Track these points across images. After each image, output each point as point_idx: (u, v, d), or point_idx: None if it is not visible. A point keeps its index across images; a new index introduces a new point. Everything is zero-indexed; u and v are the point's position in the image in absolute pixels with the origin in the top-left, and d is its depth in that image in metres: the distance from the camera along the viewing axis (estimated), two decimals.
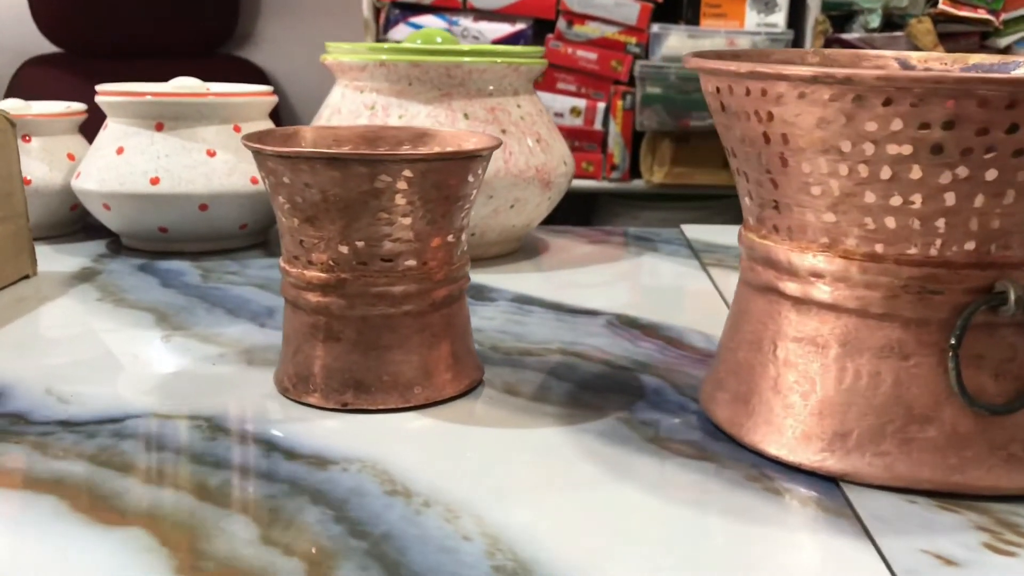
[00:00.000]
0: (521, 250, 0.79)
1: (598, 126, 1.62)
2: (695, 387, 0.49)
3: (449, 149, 0.44)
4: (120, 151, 0.75)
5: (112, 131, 0.77)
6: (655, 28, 1.55)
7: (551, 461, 0.40)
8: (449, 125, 0.71)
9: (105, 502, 0.36)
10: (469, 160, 0.44)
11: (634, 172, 1.66)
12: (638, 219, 1.69)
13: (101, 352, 0.53)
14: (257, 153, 0.43)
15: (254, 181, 0.76)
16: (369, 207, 0.42)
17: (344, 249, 0.43)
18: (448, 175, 0.43)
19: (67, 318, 0.59)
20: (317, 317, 0.45)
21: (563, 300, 0.64)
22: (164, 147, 0.75)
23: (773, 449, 0.40)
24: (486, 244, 0.75)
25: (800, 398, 0.39)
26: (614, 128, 1.62)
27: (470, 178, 0.45)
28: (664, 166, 1.61)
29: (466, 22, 1.58)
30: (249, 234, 0.80)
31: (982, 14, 1.54)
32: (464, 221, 0.46)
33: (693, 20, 1.54)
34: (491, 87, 0.73)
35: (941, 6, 1.52)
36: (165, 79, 0.83)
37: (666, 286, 0.70)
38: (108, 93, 0.76)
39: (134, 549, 0.32)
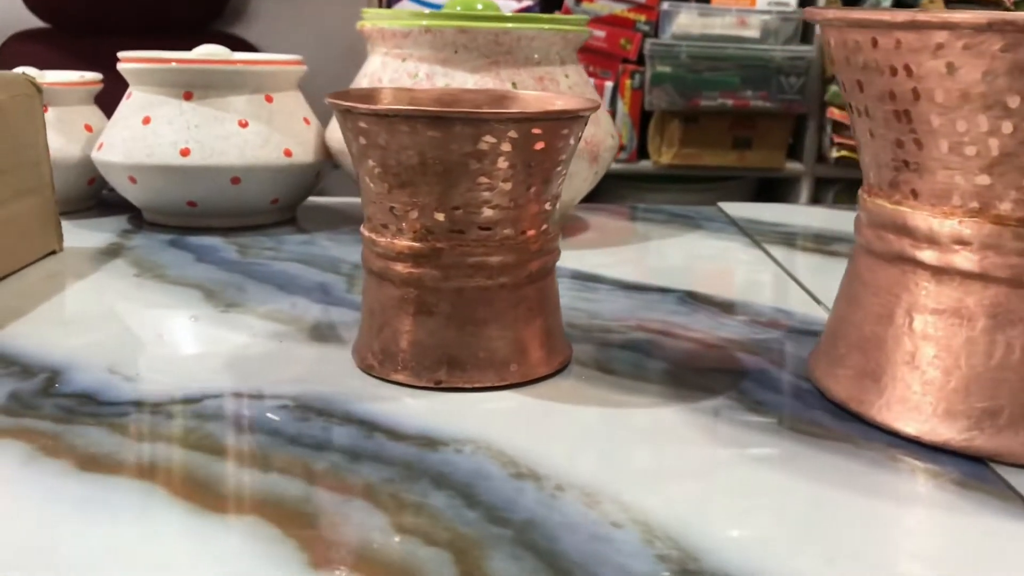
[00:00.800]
0: (563, 228, 0.76)
1: (606, 106, 1.59)
2: (796, 364, 0.46)
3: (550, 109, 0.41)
4: (147, 121, 0.71)
5: (137, 100, 0.73)
6: (665, 6, 1.52)
7: (674, 443, 0.37)
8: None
9: (208, 488, 0.32)
10: (572, 121, 0.41)
11: (641, 153, 1.64)
12: (644, 201, 1.66)
13: (155, 329, 0.50)
14: (347, 112, 0.40)
15: (287, 153, 0.72)
16: (470, 171, 0.39)
17: (440, 216, 0.40)
18: (553, 136, 0.40)
19: (108, 294, 0.56)
20: (407, 290, 0.42)
21: (624, 277, 0.62)
22: (194, 117, 0.71)
23: (911, 428, 0.37)
24: None
25: (941, 374, 0.37)
26: (622, 108, 1.59)
27: (571, 140, 0.42)
28: (673, 147, 1.58)
29: None
30: (280, 209, 0.76)
31: None
32: (559, 188, 0.43)
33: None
34: (538, 55, 0.70)
35: None
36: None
37: (725, 263, 0.68)
38: (133, 60, 0.73)
39: (258, 539, 0.29)
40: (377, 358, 0.43)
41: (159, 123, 0.71)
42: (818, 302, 0.57)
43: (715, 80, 1.48)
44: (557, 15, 0.71)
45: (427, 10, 0.78)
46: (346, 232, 0.74)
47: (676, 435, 0.38)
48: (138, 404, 0.39)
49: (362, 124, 0.40)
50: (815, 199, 1.69)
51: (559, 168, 0.42)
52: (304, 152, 0.74)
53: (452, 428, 0.38)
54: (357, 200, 0.89)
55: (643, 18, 1.53)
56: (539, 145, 0.40)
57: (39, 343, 0.47)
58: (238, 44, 1.94)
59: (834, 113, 1.51)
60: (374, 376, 0.43)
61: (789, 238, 0.75)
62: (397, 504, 0.31)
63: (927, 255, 0.37)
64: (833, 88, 1.49)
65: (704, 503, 0.33)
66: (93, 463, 0.34)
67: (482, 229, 0.41)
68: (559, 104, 0.45)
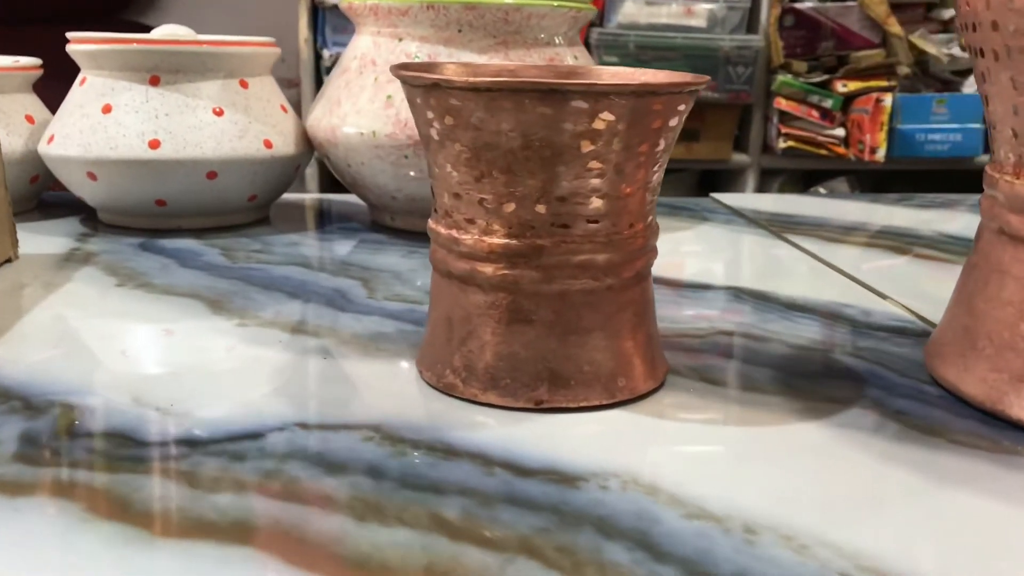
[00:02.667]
0: None
1: None
2: (907, 365, 0.42)
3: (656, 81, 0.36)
4: (107, 109, 0.63)
5: (94, 86, 0.64)
6: None
7: (837, 464, 0.32)
8: None
9: (325, 550, 0.26)
10: (690, 95, 0.35)
11: None
12: None
13: (168, 348, 0.42)
14: (434, 87, 0.33)
15: (267, 144, 0.65)
16: (582, 154, 0.34)
17: (542, 209, 0.34)
18: (670, 112, 0.35)
19: (94, 309, 0.48)
20: (499, 295, 0.35)
21: (663, 274, 0.57)
22: (162, 104, 0.63)
23: None
24: None
25: None
26: None
27: (682, 118, 0.36)
28: None
29: None
30: (257, 207, 0.69)
31: None
32: (661, 174, 0.38)
33: None
34: (546, 35, 0.64)
35: None
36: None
37: (756, 256, 0.63)
38: (88, 41, 0.64)
39: None
40: (460, 375, 0.37)
41: (122, 112, 0.63)
42: (883, 296, 0.53)
43: (664, 69, 1.44)
44: None
45: None
46: (334, 230, 0.67)
47: (834, 455, 0.33)
48: (190, 443, 0.32)
49: (453, 101, 0.33)
50: (761, 190, 1.68)
51: (667, 150, 0.36)
52: (285, 143, 0.66)
53: (581, 458, 0.32)
54: (328, 195, 0.82)
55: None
56: (656, 123, 0.34)
57: (33, 371, 0.39)
58: None
59: (781, 103, 1.49)
60: (456, 396, 0.37)
61: (807, 229, 0.71)
62: (572, 561, 0.26)
63: None
64: (780, 78, 1.48)
65: (922, 540, 0.28)
66: (168, 526, 0.27)
67: (590, 222, 0.35)
68: (662, 77, 0.39)
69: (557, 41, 0.65)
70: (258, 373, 0.39)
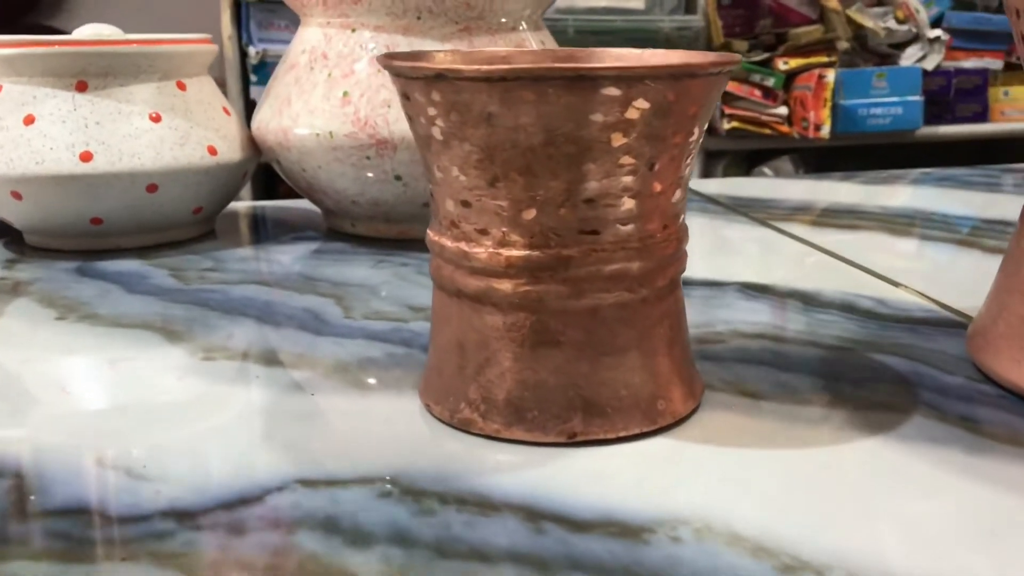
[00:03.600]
0: None
1: None
2: (951, 362, 0.39)
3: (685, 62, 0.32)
4: (29, 120, 0.56)
5: (11, 95, 0.58)
6: None
7: (929, 490, 0.29)
8: None
9: None
10: (725, 75, 0.31)
11: None
12: None
13: (128, 393, 0.37)
14: (437, 78, 0.29)
15: (212, 151, 0.59)
16: (612, 148, 0.29)
17: (567, 214, 0.30)
18: (707, 96, 0.30)
19: (35, 349, 0.42)
20: (520, 315, 0.31)
21: None
22: (92, 112, 0.57)
23: None
24: None
25: None
26: None
27: (714, 104, 0.32)
28: None
29: None
30: (202, 220, 0.63)
31: None
32: (692, 167, 0.33)
33: None
34: (511, 19, 0.60)
35: None
36: None
37: (747, 246, 0.60)
38: (2, 45, 0.57)
39: None
40: (477, 409, 0.32)
41: (47, 122, 0.56)
42: (894, 283, 0.50)
43: None
44: None
45: None
46: (289, 241, 0.62)
47: (915, 478, 0.29)
48: (178, 516, 0.27)
49: (461, 93, 0.29)
50: (705, 173, 1.66)
51: (699, 140, 0.32)
52: (230, 148, 0.61)
53: (638, 503, 0.28)
54: (275, 202, 0.76)
55: None
56: (693, 109, 0.30)
57: None
58: None
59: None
60: (474, 433, 0.32)
61: (788, 214, 0.68)
62: None
63: None
64: None
65: None
66: None
67: (621, 226, 0.31)
68: (693, 58, 0.35)
69: (522, 26, 0.61)
70: (238, 418, 0.34)
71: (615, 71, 0.28)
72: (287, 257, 0.58)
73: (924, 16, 1.54)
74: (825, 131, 1.51)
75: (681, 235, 0.33)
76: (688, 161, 0.32)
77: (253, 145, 0.63)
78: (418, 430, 0.33)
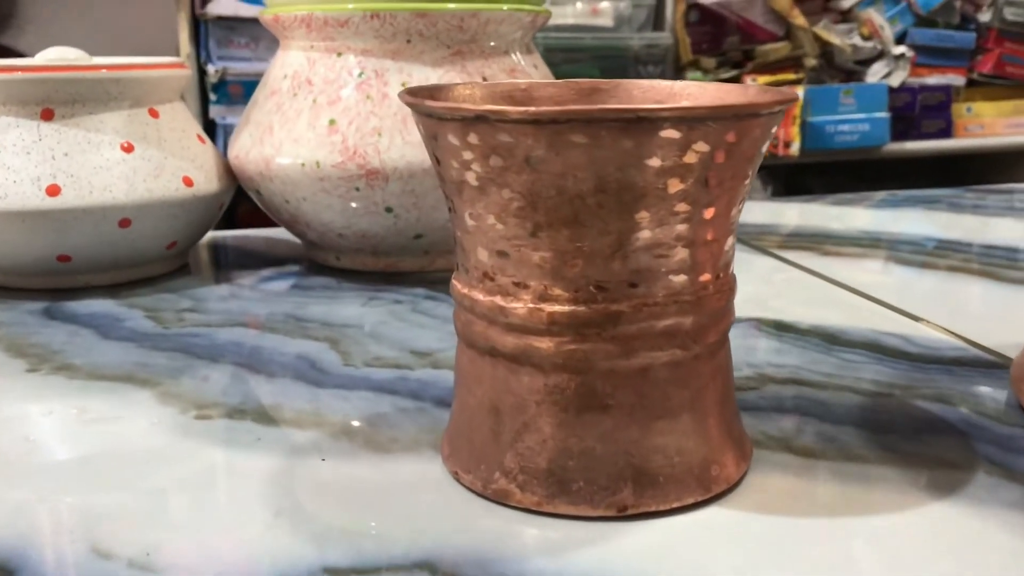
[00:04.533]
0: None
1: None
2: (995, 406, 0.37)
3: (714, 103, 0.29)
4: None
5: None
6: None
7: (1016, 562, 0.26)
8: None
9: None
10: (781, 115, 0.29)
11: None
12: None
13: (119, 463, 0.33)
14: (477, 120, 0.26)
15: (187, 182, 0.56)
16: (668, 195, 0.27)
17: (617, 266, 0.27)
18: (764, 137, 0.28)
19: (5, 407, 0.38)
20: (564, 376, 0.28)
21: None
22: (59, 143, 0.53)
23: None
24: None
25: None
26: None
27: (766, 146, 0.30)
28: None
29: None
30: (176, 255, 0.59)
31: None
32: (740, 212, 0.31)
33: None
34: (504, 43, 0.57)
35: None
36: None
37: (750, 276, 0.58)
38: None
39: None
40: (515, 479, 0.29)
41: (10, 154, 0.52)
42: (915, 318, 0.48)
43: (574, 72, 1.39)
44: None
45: None
46: (270, 276, 0.58)
47: (998, 546, 0.27)
48: None
49: (504, 136, 0.26)
50: None
51: (750, 184, 0.30)
52: (207, 179, 0.57)
53: None
54: (241, 232, 0.72)
55: None
56: (752, 151, 0.28)
57: None
58: (5, 56, 1.66)
59: None
60: (511, 506, 0.29)
61: (784, 240, 0.66)
62: None
63: None
64: (690, 75, 1.45)
65: None
66: None
67: (673, 276, 0.28)
68: (744, 94, 0.32)
69: (515, 49, 0.58)
70: (246, 490, 0.31)
71: (677, 112, 0.25)
72: (270, 294, 0.54)
73: (889, 33, 1.55)
74: (795, 148, 1.51)
75: (732, 286, 0.30)
76: (740, 205, 0.29)
77: (230, 175, 0.60)
78: (448, 503, 0.30)
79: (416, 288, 0.55)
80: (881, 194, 0.84)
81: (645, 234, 0.27)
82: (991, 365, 0.41)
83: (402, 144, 0.53)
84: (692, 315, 0.28)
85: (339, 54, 0.55)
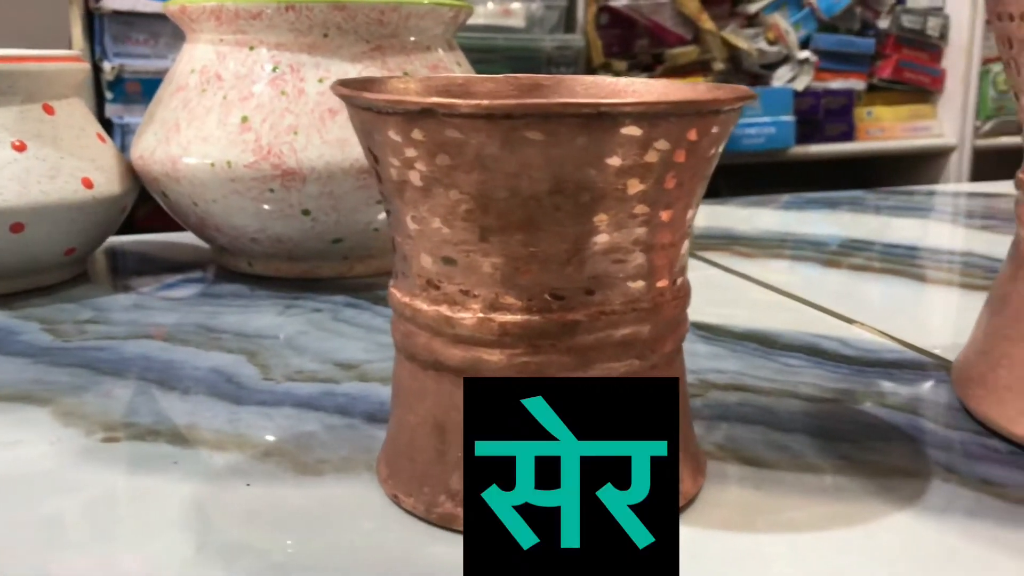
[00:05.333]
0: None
1: None
2: (942, 412, 0.36)
3: (645, 99, 0.28)
4: None
5: None
6: None
7: (976, 570, 0.26)
8: None
9: None
10: (738, 112, 0.27)
11: None
12: None
13: (20, 495, 0.30)
14: (422, 115, 0.24)
15: (87, 184, 0.52)
16: (627, 196, 0.25)
17: (572, 271, 0.25)
18: (723, 134, 0.27)
19: None
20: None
21: None
22: None
23: None
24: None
25: None
26: None
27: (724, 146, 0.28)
28: None
29: None
30: (74, 261, 0.55)
31: None
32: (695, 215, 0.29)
33: None
34: (426, 38, 0.55)
35: None
36: None
37: None
38: None
39: None
40: (462, 502, 0.27)
41: None
42: (848, 320, 0.48)
43: (486, 72, 1.37)
44: None
45: None
46: (176, 282, 0.55)
47: (965, 558, 0.26)
48: None
49: (452, 132, 0.24)
50: None
51: (706, 185, 0.28)
52: (108, 181, 0.53)
53: None
54: (143, 236, 0.68)
55: None
56: (711, 149, 0.26)
57: None
58: None
59: None
60: (458, 531, 0.27)
61: (705, 243, 0.66)
62: None
63: None
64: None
65: None
66: None
67: (631, 282, 0.26)
68: (693, 91, 0.31)
69: (437, 45, 0.56)
70: (164, 522, 0.28)
71: (640, 108, 0.23)
72: (178, 303, 0.51)
73: (793, 38, 1.58)
74: None
75: (687, 292, 0.29)
76: (695, 209, 0.28)
77: (133, 176, 0.56)
78: (388, 529, 0.27)
79: (336, 295, 0.52)
80: (786, 196, 0.85)
81: (603, 238, 0.25)
82: (928, 367, 0.41)
83: (320, 143, 0.50)
84: (650, 323, 0.27)
85: (251, 48, 0.52)
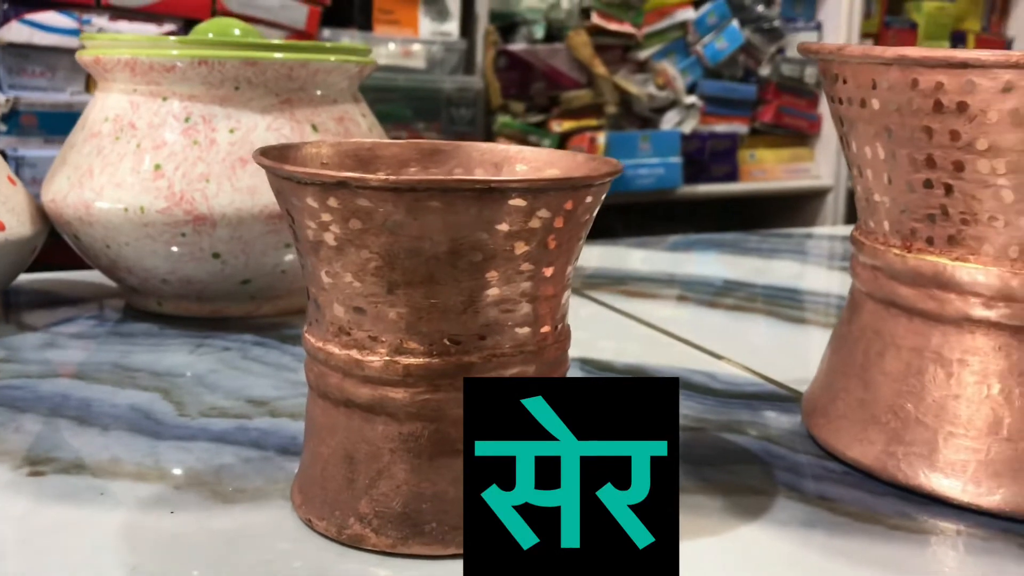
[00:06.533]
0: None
1: None
2: (791, 438, 0.41)
3: (554, 174, 0.32)
4: None
5: None
6: (326, 33, 1.42)
7: (807, 572, 0.30)
8: (297, 138, 0.56)
9: None
10: (608, 184, 0.32)
11: None
12: None
13: None
14: (339, 186, 0.27)
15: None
16: (515, 255, 0.29)
17: (467, 319, 0.29)
18: (596, 202, 0.31)
19: None
20: (418, 424, 0.30)
21: None
22: None
23: (991, 498, 0.34)
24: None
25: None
26: None
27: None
28: None
29: (100, 21, 1.33)
30: None
31: (627, 28, 1.63)
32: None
33: (365, 26, 1.44)
34: (333, 92, 0.59)
35: (594, 20, 1.58)
36: None
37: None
38: None
39: None
40: (369, 524, 0.30)
41: None
42: (717, 356, 0.53)
43: (386, 112, 1.41)
44: (341, 44, 0.60)
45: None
46: (85, 321, 0.57)
47: (802, 565, 0.31)
48: None
49: (363, 201, 0.27)
50: None
51: (583, 243, 0.33)
52: (19, 223, 0.55)
53: None
54: (48, 275, 0.69)
55: None
56: (586, 216, 0.31)
57: None
58: None
59: (503, 144, 1.50)
60: (367, 550, 0.30)
61: (586, 282, 0.71)
62: None
63: (1002, 313, 0.34)
64: (501, 119, 1.50)
65: None
66: None
67: (518, 331, 0.30)
68: (573, 160, 0.35)
69: (344, 99, 0.60)
70: (92, 548, 0.30)
71: (524, 184, 0.28)
72: (89, 342, 0.53)
73: (681, 83, 1.67)
74: None
75: (568, 336, 0.33)
76: (575, 264, 0.32)
77: (44, 218, 0.58)
78: (303, 549, 0.31)
79: (244, 334, 0.55)
80: (674, 237, 0.91)
81: (494, 291, 0.29)
82: (783, 399, 0.46)
83: (231, 190, 0.53)
84: (535, 364, 0.31)
85: (164, 98, 0.55)
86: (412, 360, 0.29)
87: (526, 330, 0.30)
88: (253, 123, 0.55)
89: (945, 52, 0.32)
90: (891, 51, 0.33)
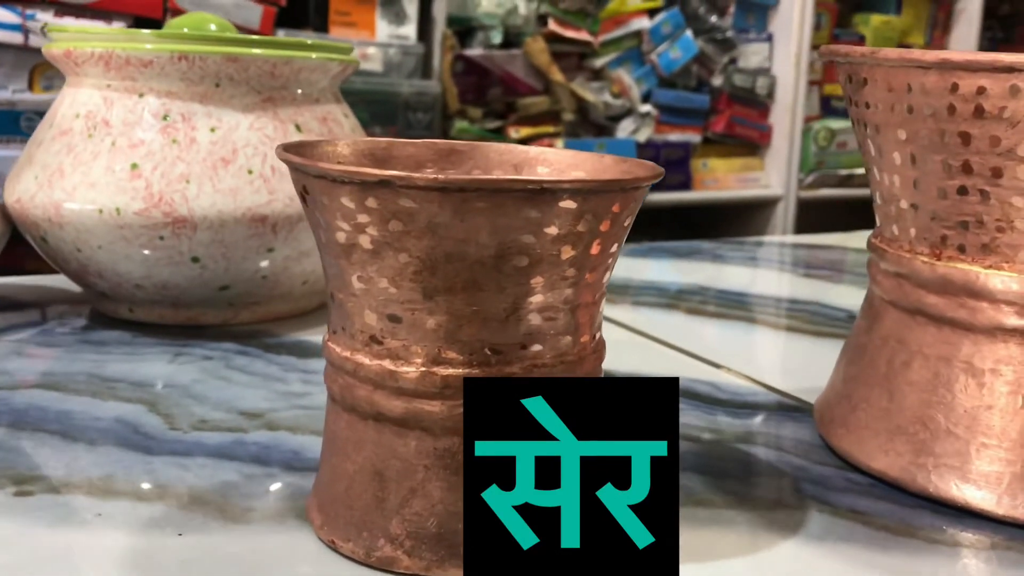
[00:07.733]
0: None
1: None
2: (809, 448, 0.40)
3: (600, 177, 0.31)
4: None
5: None
6: (280, 34, 1.39)
7: None
8: (280, 138, 0.54)
9: None
10: (646, 189, 0.31)
11: None
12: None
13: None
14: (380, 185, 0.26)
15: None
16: (560, 261, 0.28)
17: (510, 328, 0.28)
18: (636, 209, 0.30)
19: None
20: (456, 439, 0.28)
21: None
22: None
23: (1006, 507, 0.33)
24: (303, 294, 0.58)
25: None
26: None
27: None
28: None
29: (45, 16, 1.28)
30: None
31: (583, 35, 1.63)
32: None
33: (321, 27, 1.42)
34: (315, 91, 0.57)
35: (551, 27, 1.58)
36: None
37: None
38: None
39: None
40: (401, 546, 0.29)
41: None
42: (716, 366, 0.52)
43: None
44: (323, 41, 0.58)
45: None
46: (55, 329, 0.54)
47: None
48: None
49: (406, 202, 0.26)
50: None
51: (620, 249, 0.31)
52: None
53: None
54: (10, 279, 0.66)
55: None
56: (628, 220, 0.29)
57: None
58: None
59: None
60: (399, 573, 0.29)
61: None
62: None
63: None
64: (458, 124, 1.48)
65: None
66: None
67: (559, 340, 0.29)
68: (600, 162, 0.33)
69: (326, 98, 0.58)
70: (91, 570, 0.28)
71: (576, 184, 0.26)
72: (59, 351, 0.50)
73: (636, 92, 1.67)
74: None
75: (603, 347, 0.32)
76: (611, 271, 0.31)
77: (6, 219, 0.55)
78: (328, 574, 0.29)
79: (223, 343, 0.52)
80: (630, 245, 0.90)
81: (538, 298, 0.28)
82: (793, 408, 0.45)
83: (212, 192, 0.51)
84: (575, 375, 0.29)
85: (140, 95, 0.52)
86: (450, 371, 0.28)
87: (567, 339, 0.29)
88: (235, 122, 0.53)
89: (990, 56, 0.31)
90: (931, 54, 0.32)
